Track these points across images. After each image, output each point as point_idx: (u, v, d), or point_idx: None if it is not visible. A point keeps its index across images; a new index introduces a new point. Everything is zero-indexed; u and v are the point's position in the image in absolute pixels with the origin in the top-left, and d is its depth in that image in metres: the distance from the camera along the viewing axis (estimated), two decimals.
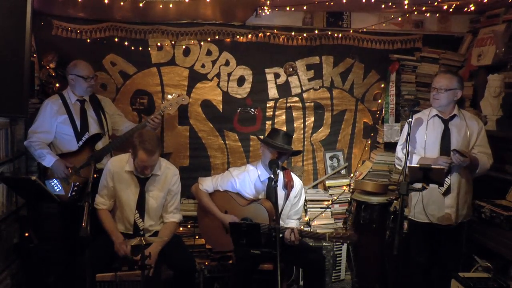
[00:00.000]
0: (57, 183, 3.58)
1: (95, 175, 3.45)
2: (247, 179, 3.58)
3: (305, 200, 4.32)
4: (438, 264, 3.42)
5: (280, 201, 3.39)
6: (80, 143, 3.66)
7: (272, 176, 3.43)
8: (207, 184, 3.64)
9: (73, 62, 3.71)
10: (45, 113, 3.65)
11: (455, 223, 3.30)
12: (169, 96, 3.86)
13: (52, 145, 3.70)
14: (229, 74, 4.36)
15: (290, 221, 3.59)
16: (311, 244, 3.93)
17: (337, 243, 4.07)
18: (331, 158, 4.53)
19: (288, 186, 3.52)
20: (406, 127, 3.29)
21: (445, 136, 3.34)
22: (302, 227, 3.70)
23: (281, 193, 3.48)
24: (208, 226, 3.65)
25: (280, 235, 3.22)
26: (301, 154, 4.48)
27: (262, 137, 3.82)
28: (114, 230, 3.32)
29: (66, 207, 3.50)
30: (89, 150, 3.63)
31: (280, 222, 3.45)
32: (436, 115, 3.40)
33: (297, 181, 3.62)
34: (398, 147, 3.58)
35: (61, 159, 3.58)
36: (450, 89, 3.28)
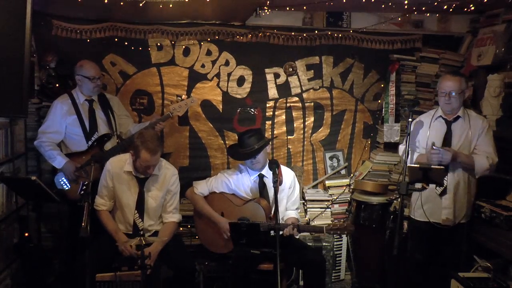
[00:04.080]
0: (65, 180, 3.61)
1: None
2: (241, 179, 3.60)
3: (305, 200, 4.33)
4: (437, 263, 3.41)
5: (272, 197, 3.40)
6: (89, 143, 3.69)
7: (262, 173, 3.53)
8: (202, 187, 3.64)
9: (80, 62, 3.73)
10: (55, 113, 3.68)
11: (453, 224, 3.29)
12: (179, 98, 3.86)
13: (62, 144, 3.74)
14: (229, 74, 4.36)
15: (290, 213, 3.60)
16: (310, 244, 3.93)
17: (335, 236, 4.07)
18: (331, 158, 4.54)
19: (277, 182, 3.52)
20: (412, 126, 3.27)
21: (447, 138, 3.31)
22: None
23: (271, 189, 3.49)
24: (205, 229, 3.65)
25: (281, 233, 3.23)
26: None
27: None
28: (117, 230, 3.32)
29: (73, 206, 3.52)
30: (98, 150, 3.66)
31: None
32: (440, 116, 3.37)
33: (288, 174, 3.63)
34: (400, 145, 3.56)
35: (71, 161, 3.61)
36: (461, 91, 3.24)
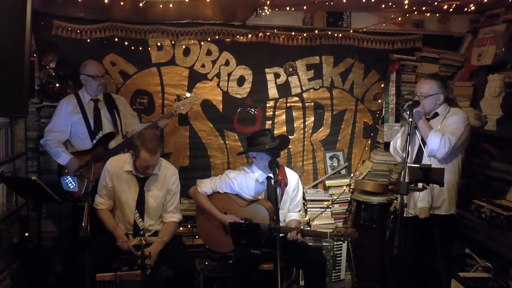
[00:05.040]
0: (72, 180, 3.62)
1: None
2: (245, 181, 3.58)
3: (305, 200, 4.33)
4: (428, 262, 3.39)
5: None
6: (94, 141, 3.73)
7: (270, 175, 3.46)
8: (205, 186, 3.62)
9: (84, 62, 3.81)
10: (60, 112, 3.75)
11: (430, 216, 3.25)
12: (182, 96, 3.87)
13: (68, 143, 3.79)
14: (229, 74, 4.36)
15: (292, 214, 3.60)
16: (310, 244, 3.93)
17: (338, 241, 4.07)
18: (331, 158, 4.54)
19: (282, 183, 3.51)
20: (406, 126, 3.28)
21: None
22: (302, 226, 3.69)
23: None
24: (207, 228, 3.65)
25: (282, 235, 3.22)
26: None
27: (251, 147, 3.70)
28: (116, 227, 3.34)
29: (77, 204, 3.53)
30: (103, 149, 3.70)
31: (280, 219, 3.45)
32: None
33: (292, 176, 3.62)
34: (392, 142, 3.57)
35: (75, 158, 3.67)
36: (431, 95, 3.27)
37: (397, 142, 3.50)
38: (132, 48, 4.19)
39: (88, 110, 3.78)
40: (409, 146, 3.34)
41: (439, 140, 3.17)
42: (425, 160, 3.26)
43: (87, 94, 3.81)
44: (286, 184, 3.54)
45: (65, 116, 3.74)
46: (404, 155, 3.40)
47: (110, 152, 3.64)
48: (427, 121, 3.31)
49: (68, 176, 3.63)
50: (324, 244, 4.05)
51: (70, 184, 3.61)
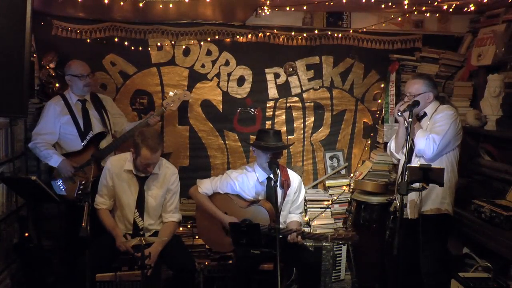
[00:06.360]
0: (62, 183, 3.62)
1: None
2: (246, 181, 3.57)
3: (305, 200, 4.32)
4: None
5: (278, 200, 3.39)
6: (84, 142, 3.70)
7: (271, 176, 3.44)
8: (206, 187, 3.61)
9: (68, 62, 3.76)
10: (48, 114, 3.70)
11: (416, 217, 3.25)
12: (171, 93, 3.88)
13: (57, 145, 3.75)
14: (229, 74, 4.36)
15: (293, 216, 3.60)
16: (310, 244, 3.93)
17: (338, 244, 4.07)
18: (331, 158, 4.54)
19: (285, 185, 3.51)
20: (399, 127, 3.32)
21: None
22: (302, 228, 3.70)
23: (278, 192, 3.48)
24: (207, 228, 3.64)
25: (281, 236, 3.22)
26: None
27: (253, 139, 3.75)
28: (115, 227, 3.34)
29: (71, 206, 3.52)
30: (94, 149, 3.68)
31: (280, 220, 3.45)
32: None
33: (294, 178, 3.62)
34: (389, 143, 3.59)
35: (67, 159, 3.63)
36: (420, 94, 3.26)
37: (391, 145, 3.51)
38: (132, 48, 4.19)
39: (76, 111, 3.74)
40: (403, 147, 3.36)
41: (424, 140, 3.18)
42: (414, 161, 3.24)
43: (74, 94, 3.76)
44: (288, 186, 3.53)
45: (54, 118, 3.68)
46: (399, 157, 3.44)
47: (103, 152, 3.63)
48: (418, 121, 3.32)
49: (60, 179, 3.63)
50: (324, 244, 4.04)
51: (62, 187, 3.62)
